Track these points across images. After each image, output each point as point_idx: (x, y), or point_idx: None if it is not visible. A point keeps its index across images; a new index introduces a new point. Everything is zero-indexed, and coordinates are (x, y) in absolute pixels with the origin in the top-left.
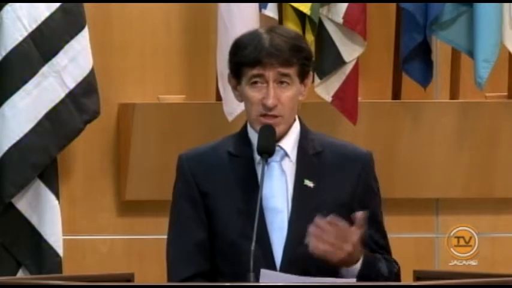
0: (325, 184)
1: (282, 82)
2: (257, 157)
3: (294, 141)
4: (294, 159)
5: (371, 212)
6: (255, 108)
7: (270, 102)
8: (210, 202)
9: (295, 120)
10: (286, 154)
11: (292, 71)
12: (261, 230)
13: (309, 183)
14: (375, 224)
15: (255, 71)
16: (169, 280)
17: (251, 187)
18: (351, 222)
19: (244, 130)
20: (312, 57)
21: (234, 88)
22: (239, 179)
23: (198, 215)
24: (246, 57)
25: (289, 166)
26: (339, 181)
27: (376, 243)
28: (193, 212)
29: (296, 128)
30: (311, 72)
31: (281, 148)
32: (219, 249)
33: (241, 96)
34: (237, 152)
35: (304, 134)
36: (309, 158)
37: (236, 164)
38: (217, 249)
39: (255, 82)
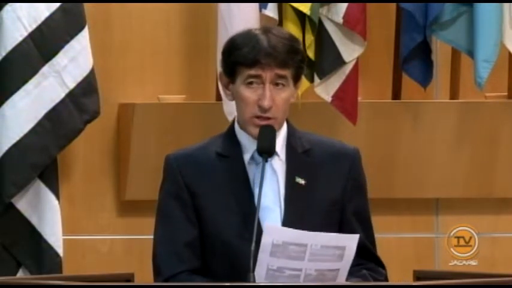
0: (316, 181)
1: (277, 84)
2: (247, 157)
3: (282, 140)
4: (284, 157)
5: (359, 208)
6: (250, 109)
7: (266, 103)
8: (200, 202)
9: (284, 120)
10: (276, 153)
11: (288, 73)
12: (257, 228)
13: (301, 181)
14: (363, 220)
15: (252, 72)
16: (156, 278)
17: (242, 187)
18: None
19: (231, 130)
20: (305, 60)
21: (226, 87)
22: (229, 179)
23: (187, 215)
24: (243, 57)
25: (279, 165)
26: (329, 178)
27: (363, 240)
28: (182, 211)
29: (284, 127)
30: (303, 76)
31: None
32: (211, 249)
33: (233, 96)
34: (226, 152)
35: (291, 132)
36: (298, 156)
37: (226, 165)
38: (209, 249)
39: (251, 82)
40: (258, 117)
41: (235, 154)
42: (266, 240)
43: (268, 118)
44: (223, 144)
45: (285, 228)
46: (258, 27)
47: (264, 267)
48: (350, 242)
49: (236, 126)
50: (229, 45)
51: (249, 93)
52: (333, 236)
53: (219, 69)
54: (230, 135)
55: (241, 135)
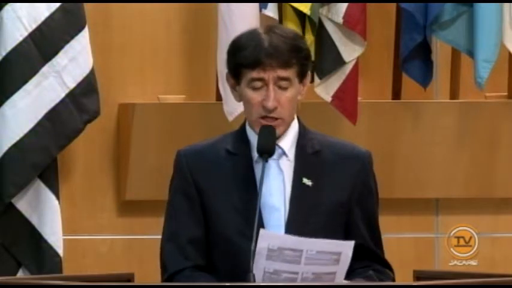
0: (324, 183)
1: (281, 84)
2: (255, 155)
3: (292, 140)
4: (292, 157)
5: (367, 211)
6: (255, 110)
7: (270, 104)
8: (207, 199)
9: (293, 119)
10: (284, 153)
11: (291, 73)
12: (258, 227)
13: (308, 182)
14: (371, 225)
15: (254, 74)
16: (163, 273)
17: (249, 185)
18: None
19: (242, 128)
20: (311, 56)
21: (233, 88)
22: (237, 177)
23: (194, 212)
24: (245, 59)
25: (287, 165)
26: (337, 180)
27: (369, 244)
28: (189, 208)
29: (294, 127)
30: (309, 72)
31: (279, 147)
32: (216, 246)
33: (240, 97)
34: (235, 150)
35: (302, 133)
36: (307, 157)
37: (234, 162)
38: (213, 246)
39: (255, 85)
40: (264, 117)
41: (244, 152)
42: (261, 245)
43: (274, 118)
44: (233, 142)
45: (280, 234)
46: (262, 27)
47: (260, 270)
48: (345, 248)
49: (247, 124)
50: (233, 46)
51: (254, 95)
52: (328, 242)
53: (224, 70)
54: (241, 133)
55: (251, 133)
